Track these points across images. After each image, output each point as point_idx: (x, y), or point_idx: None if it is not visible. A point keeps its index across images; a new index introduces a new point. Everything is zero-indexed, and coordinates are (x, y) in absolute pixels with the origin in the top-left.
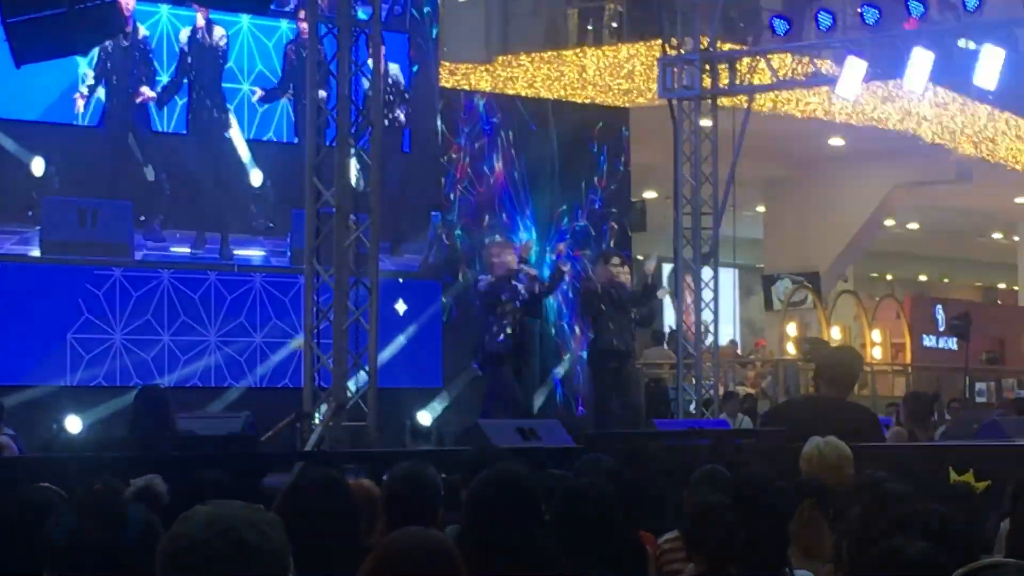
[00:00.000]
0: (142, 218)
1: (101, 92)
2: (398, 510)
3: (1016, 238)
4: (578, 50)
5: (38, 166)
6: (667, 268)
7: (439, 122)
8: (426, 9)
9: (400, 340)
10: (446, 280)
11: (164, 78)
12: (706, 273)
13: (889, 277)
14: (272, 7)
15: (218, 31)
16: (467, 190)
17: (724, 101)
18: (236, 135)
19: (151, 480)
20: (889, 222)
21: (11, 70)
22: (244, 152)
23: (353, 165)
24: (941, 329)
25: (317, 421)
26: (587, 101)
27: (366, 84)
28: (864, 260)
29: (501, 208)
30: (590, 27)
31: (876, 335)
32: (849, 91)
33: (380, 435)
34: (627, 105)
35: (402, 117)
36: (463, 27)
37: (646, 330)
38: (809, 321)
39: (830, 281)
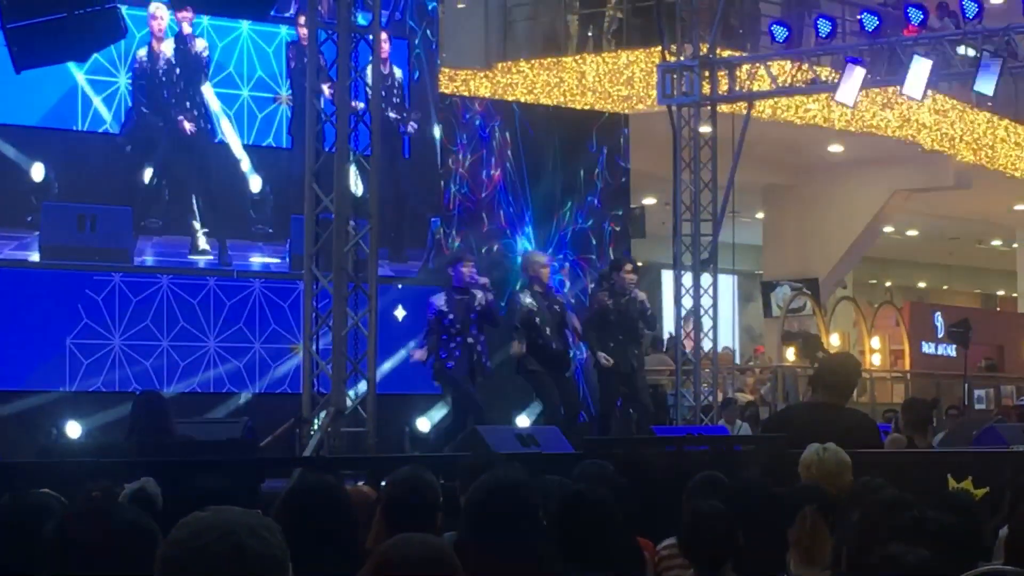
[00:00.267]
0: (142, 223)
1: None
2: (396, 516)
3: (1015, 245)
4: (578, 56)
5: (38, 172)
6: (667, 274)
7: (437, 128)
8: (425, 16)
9: (402, 353)
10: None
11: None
12: (705, 279)
13: (888, 284)
14: (272, 13)
15: (200, 43)
16: (466, 196)
17: (723, 108)
18: (233, 141)
19: (144, 483)
20: (888, 229)
21: (11, 75)
22: (243, 158)
23: (352, 171)
24: (940, 336)
25: (316, 427)
26: (587, 107)
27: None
28: (863, 267)
29: (500, 213)
30: (590, 33)
31: (875, 342)
32: (848, 98)
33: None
34: (626, 111)
35: (411, 126)
36: (463, 33)
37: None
38: (808, 328)
39: (829, 288)
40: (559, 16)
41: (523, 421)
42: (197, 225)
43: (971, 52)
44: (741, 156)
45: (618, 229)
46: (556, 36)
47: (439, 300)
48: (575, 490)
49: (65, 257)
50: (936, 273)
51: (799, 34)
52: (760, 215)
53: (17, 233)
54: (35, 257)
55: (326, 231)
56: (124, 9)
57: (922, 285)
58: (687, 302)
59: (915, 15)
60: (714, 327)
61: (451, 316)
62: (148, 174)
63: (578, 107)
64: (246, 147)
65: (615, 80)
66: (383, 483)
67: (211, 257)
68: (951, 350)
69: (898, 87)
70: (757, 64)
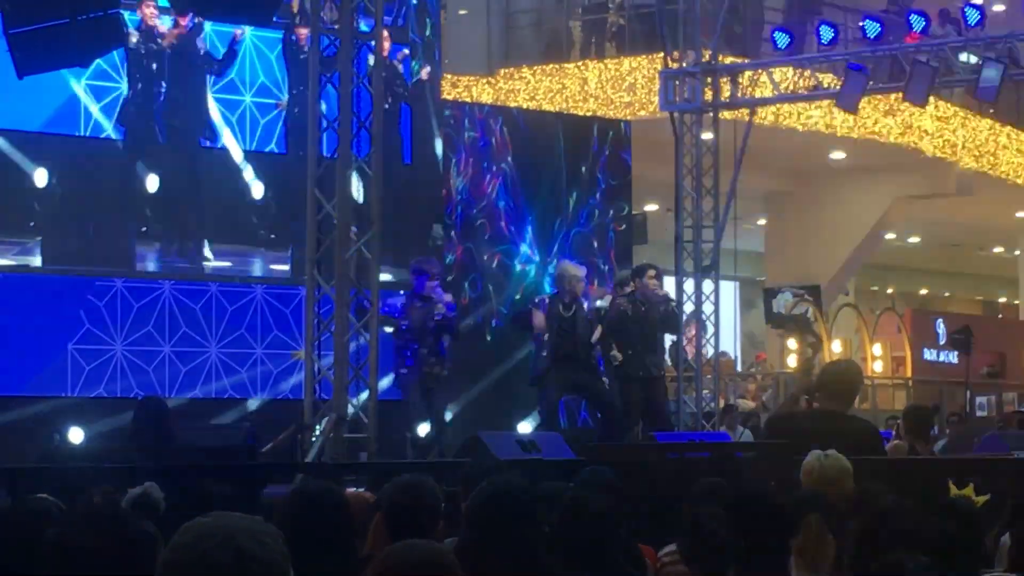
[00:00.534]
0: (143, 229)
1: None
2: (397, 522)
3: (1017, 252)
4: (580, 63)
5: (41, 177)
6: (668, 281)
7: (439, 141)
8: (426, 25)
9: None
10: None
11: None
12: (707, 286)
13: (890, 290)
14: (275, 19)
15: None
16: (467, 202)
17: (726, 114)
18: (232, 147)
19: (147, 488)
20: (890, 235)
21: (13, 81)
22: (245, 165)
23: (354, 177)
24: (942, 343)
25: (318, 433)
26: (589, 114)
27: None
28: (865, 273)
29: (501, 218)
30: (592, 40)
31: (877, 348)
32: (850, 104)
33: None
34: (629, 118)
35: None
36: (465, 39)
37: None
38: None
39: (831, 294)
40: (561, 22)
41: (525, 427)
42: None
43: (973, 59)
44: (743, 162)
45: (622, 228)
46: (558, 42)
47: (397, 303)
48: (576, 496)
49: (67, 263)
50: (938, 280)
51: (801, 41)
52: (762, 221)
53: (19, 239)
54: (37, 263)
55: (328, 237)
56: (127, 15)
57: (924, 292)
58: (688, 308)
59: (917, 22)
60: (716, 333)
61: (406, 323)
62: (153, 182)
63: (580, 113)
64: (249, 153)
65: (617, 86)
66: (384, 488)
67: (225, 263)
68: (953, 357)
69: (900, 94)
70: (759, 71)
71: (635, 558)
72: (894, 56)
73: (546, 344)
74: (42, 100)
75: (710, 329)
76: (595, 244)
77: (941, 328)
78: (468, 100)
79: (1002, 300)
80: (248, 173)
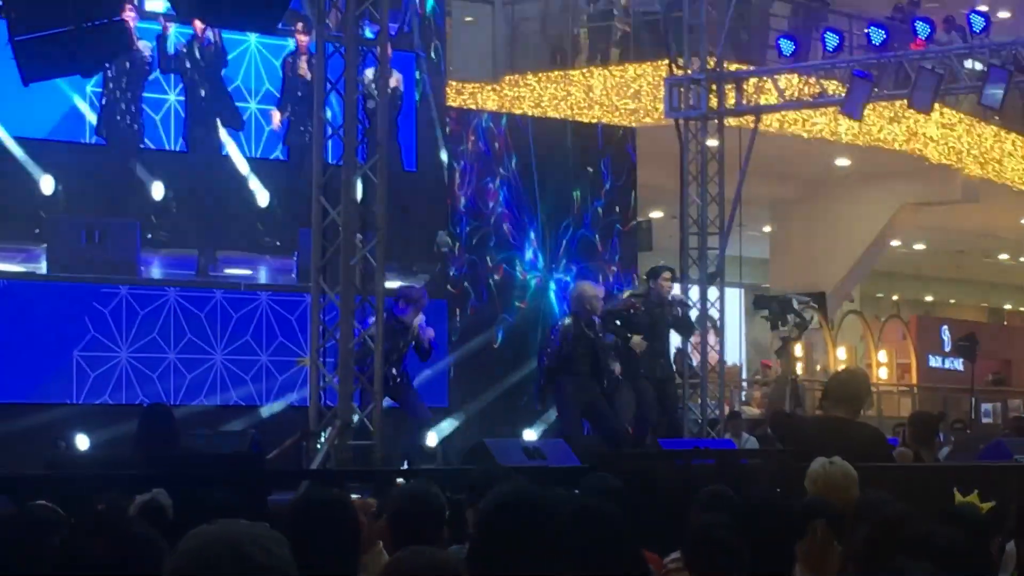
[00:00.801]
0: (148, 236)
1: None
2: (402, 529)
3: (1022, 259)
4: (585, 70)
5: (47, 184)
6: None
7: (444, 152)
8: (432, 33)
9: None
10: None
11: (172, 96)
12: (712, 293)
13: (895, 297)
14: (280, 26)
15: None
16: (472, 209)
17: (731, 121)
18: (235, 154)
19: (155, 494)
20: (895, 242)
21: (19, 88)
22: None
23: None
24: (947, 350)
25: (323, 440)
26: (594, 121)
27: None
28: (870, 280)
29: (505, 223)
30: (597, 47)
31: (882, 355)
32: (855, 111)
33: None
34: (634, 125)
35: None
36: (470, 46)
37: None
38: (815, 341)
39: (836, 301)
40: (566, 29)
41: (530, 435)
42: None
43: (978, 66)
44: (748, 169)
45: (628, 229)
46: (564, 49)
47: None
48: (581, 504)
49: (72, 270)
50: (943, 287)
51: (806, 48)
52: (767, 228)
53: (25, 246)
54: (42, 270)
55: (333, 244)
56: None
57: (929, 299)
58: (693, 315)
59: (922, 29)
60: (721, 340)
61: (386, 345)
62: (158, 189)
63: (585, 120)
64: (254, 160)
65: (622, 93)
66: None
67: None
68: (958, 364)
69: (905, 101)
70: (764, 78)
71: (640, 565)
72: (899, 63)
73: (566, 363)
74: (48, 107)
75: (715, 336)
76: (599, 247)
77: (946, 335)
78: (473, 107)
79: (1007, 307)
80: (253, 180)
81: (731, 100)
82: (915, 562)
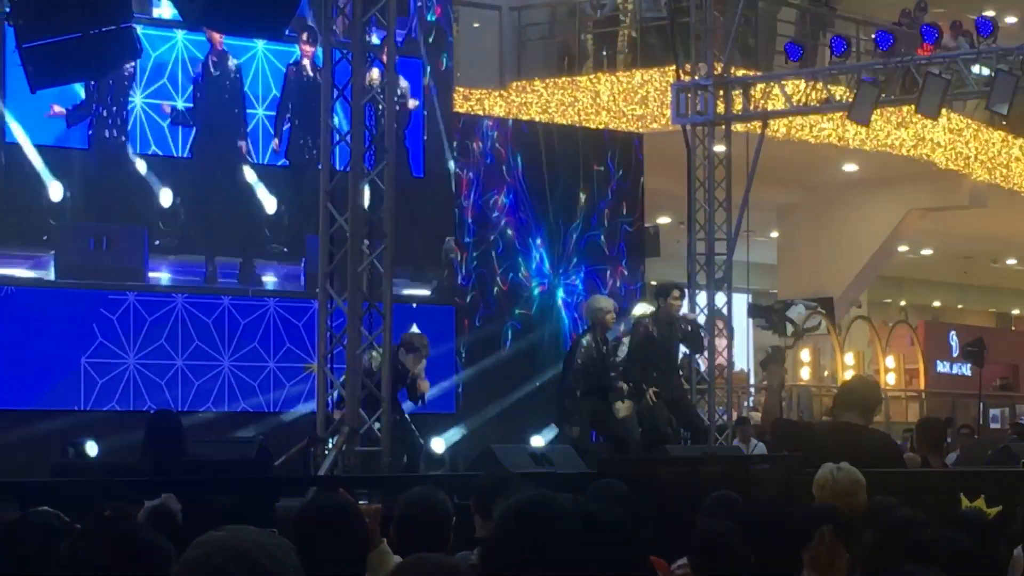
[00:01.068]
0: (156, 242)
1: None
2: (408, 534)
3: None
4: (592, 76)
5: (56, 191)
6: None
7: (451, 161)
8: (440, 42)
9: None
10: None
11: (180, 103)
12: (719, 298)
13: (903, 303)
14: (287, 32)
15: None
16: (480, 214)
17: (738, 127)
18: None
19: (165, 499)
20: (903, 248)
21: (27, 95)
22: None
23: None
24: (955, 355)
25: (330, 446)
26: (601, 127)
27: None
28: (878, 286)
29: (511, 228)
30: (604, 53)
31: (890, 361)
32: (863, 117)
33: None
34: (641, 131)
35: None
36: (477, 53)
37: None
38: (823, 347)
39: (844, 307)
40: (573, 35)
41: (538, 441)
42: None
43: (986, 71)
44: (755, 175)
45: (634, 230)
46: (570, 55)
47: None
48: (589, 510)
49: (80, 276)
50: (951, 292)
51: (813, 53)
52: (774, 234)
53: (33, 252)
54: (50, 276)
55: (341, 250)
56: (139, 29)
57: (937, 304)
58: (701, 321)
59: (930, 34)
60: (728, 346)
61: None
62: (167, 196)
63: (592, 126)
64: (262, 166)
65: (629, 99)
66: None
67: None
68: (966, 369)
69: (912, 106)
70: (771, 83)
71: (647, 571)
72: (906, 68)
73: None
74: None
75: (722, 342)
76: (605, 249)
77: (954, 340)
78: (480, 113)
79: (1015, 312)
80: (260, 187)
81: (738, 106)
82: (922, 567)
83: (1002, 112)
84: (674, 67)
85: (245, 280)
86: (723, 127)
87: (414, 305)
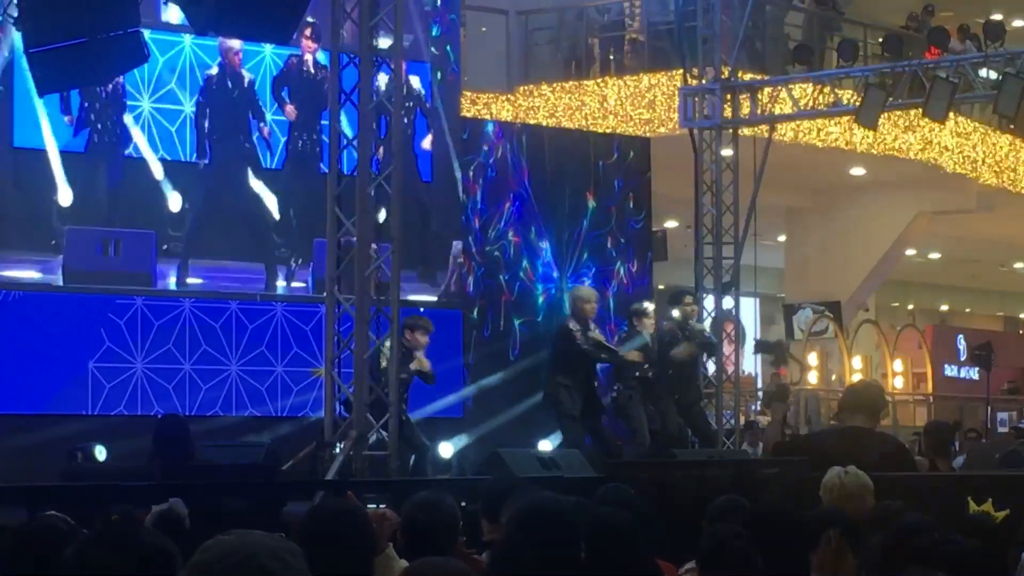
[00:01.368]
0: (164, 247)
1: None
2: (415, 538)
3: None
4: (599, 80)
5: (65, 196)
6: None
7: (457, 166)
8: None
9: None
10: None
11: (187, 107)
12: (727, 302)
13: (910, 307)
14: (295, 36)
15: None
16: (487, 217)
17: (745, 131)
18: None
19: (172, 504)
20: (910, 251)
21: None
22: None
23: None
24: (963, 359)
25: (338, 450)
26: (608, 130)
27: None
28: (885, 290)
29: (517, 232)
30: (611, 56)
31: (898, 365)
32: (870, 121)
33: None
34: (648, 135)
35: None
36: (485, 56)
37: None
38: (830, 351)
39: (851, 311)
40: (581, 39)
41: (545, 446)
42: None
43: (993, 74)
44: (763, 179)
45: (640, 227)
46: (578, 59)
47: None
48: (597, 513)
49: (88, 281)
50: (958, 296)
51: (821, 57)
52: (782, 238)
53: (41, 257)
54: (58, 281)
55: (348, 254)
56: (147, 33)
57: (944, 308)
58: (708, 324)
59: (937, 38)
60: (736, 350)
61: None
62: (175, 200)
63: (600, 130)
64: (270, 171)
65: (637, 103)
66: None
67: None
68: (974, 373)
69: (920, 110)
70: (779, 87)
71: (655, 574)
72: (914, 72)
73: (562, 369)
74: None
75: (730, 346)
76: (612, 251)
77: (962, 344)
78: (488, 117)
79: (1023, 316)
80: (267, 192)
81: (745, 109)
82: (930, 571)
83: (1010, 116)
84: (681, 71)
85: (270, 286)
86: (730, 131)
87: (421, 309)
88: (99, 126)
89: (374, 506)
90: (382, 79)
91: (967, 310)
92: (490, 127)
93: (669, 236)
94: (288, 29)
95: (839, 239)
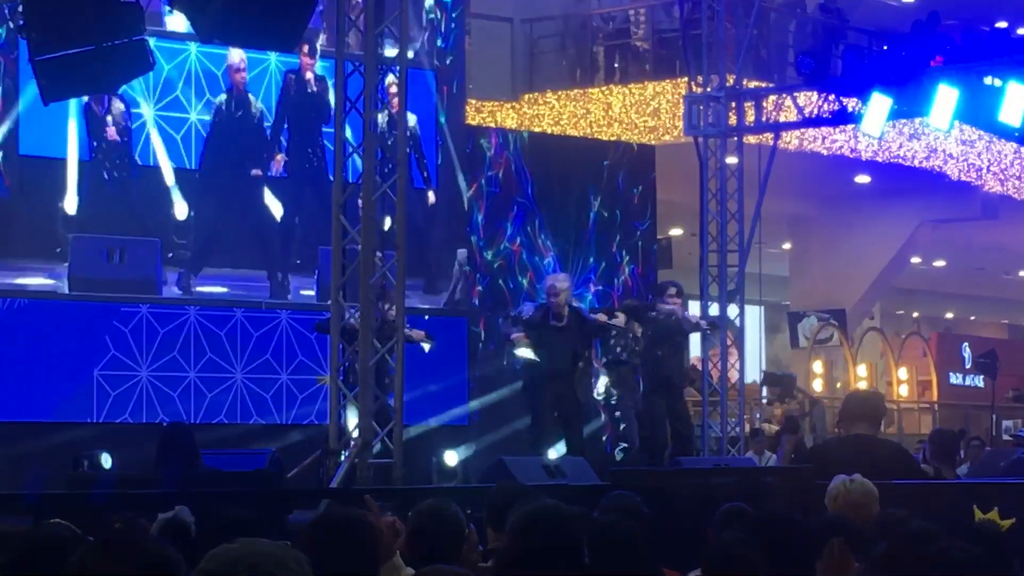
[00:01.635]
0: (170, 255)
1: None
2: (421, 546)
3: None
4: (604, 88)
5: (71, 204)
6: (694, 305)
7: (462, 179)
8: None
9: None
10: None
11: (193, 115)
12: (732, 310)
13: (915, 314)
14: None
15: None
16: (491, 226)
17: (750, 138)
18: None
19: (178, 512)
20: (915, 259)
21: (40, 107)
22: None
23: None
24: (967, 367)
25: (343, 459)
26: (613, 139)
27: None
28: (890, 297)
29: (524, 240)
30: (616, 64)
31: (902, 373)
32: (875, 128)
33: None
34: (653, 143)
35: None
36: (489, 65)
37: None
38: (835, 359)
39: (856, 318)
40: (585, 47)
41: (550, 454)
42: None
43: (998, 82)
44: (768, 187)
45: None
46: (583, 67)
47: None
48: (602, 521)
49: (93, 289)
50: (963, 304)
51: (826, 65)
52: (787, 246)
53: (46, 264)
54: (64, 289)
55: (353, 262)
56: (152, 42)
57: (949, 316)
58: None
59: (941, 46)
60: (741, 358)
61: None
62: (182, 210)
63: (605, 138)
64: (274, 179)
65: (642, 111)
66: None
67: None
68: (978, 381)
69: (924, 117)
70: (784, 95)
71: None
72: (919, 80)
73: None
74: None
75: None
76: (617, 257)
77: (967, 352)
78: (492, 125)
79: None
80: (271, 198)
81: (750, 117)
82: None
83: (1014, 124)
84: (686, 79)
85: (278, 293)
86: (735, 139)
87: (426, 317)
88: (104, 134)
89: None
90: (381, 119)
91: (972, 318)
92: (494, 134)
93: (674, 244)
94: (292, 37)
95: (844, 247)
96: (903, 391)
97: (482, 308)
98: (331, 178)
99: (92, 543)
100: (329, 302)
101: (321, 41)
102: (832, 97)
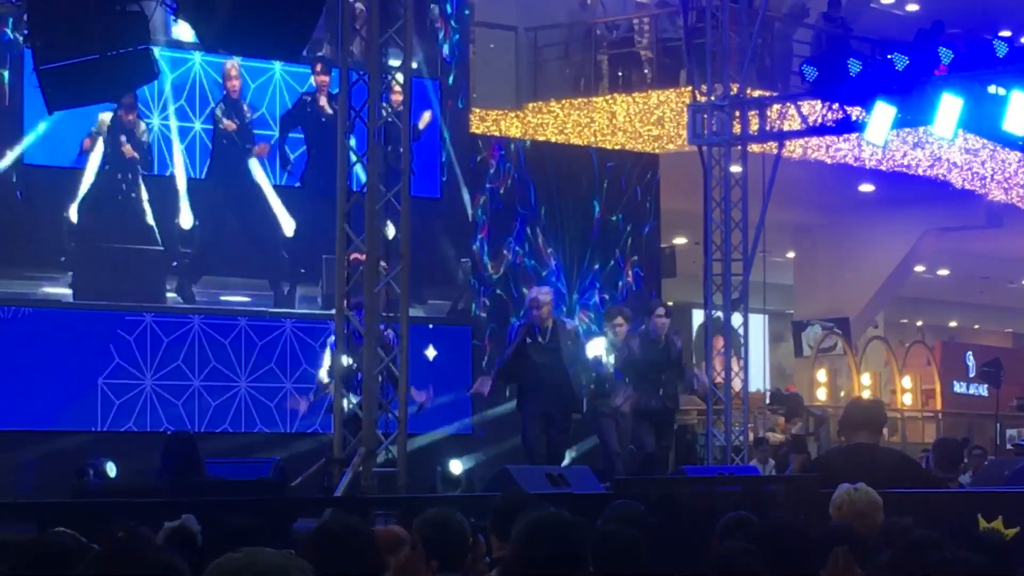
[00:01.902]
0: (174, 264)
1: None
2: (426, 555)
3: None
4: (608, 96)
5: (75, 212)
6: (697, 314)
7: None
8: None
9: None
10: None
11: (197, 124)
12: (736, 319)
13: (919, 323)
14: (304, 54)
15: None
16: (494, 235)
17: (754, 147)
18: (264, 183)
19: (184, 520)
20: (919, 268)
21: (44, 116)
22: (276, 201)
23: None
24: (972, 375)
25: (347, 467)
26: (617, 147)
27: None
28: (894, 306)
29: (528, 250)
30: (620, 73)
31: (906, 381)
32: (879, 137)
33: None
34: (657, 151)
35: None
36: (493, 74)
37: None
38: (839, 367)
39: (860, 327)
40: (589, 56)
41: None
42: None
43: (1002, 91)
44: (772, 196)
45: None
46: (587, 76)
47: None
48: (605, 530)
49: (98, 297)
50: (967, 312)
51: (830, 74)
52: (791, 254)
53: (50, 273)
54: (68, 297)
55: (357, 271)
56: (156, 51)
57: (953, 324)
58: (717, 342)
59: (945, 55)
60: (745, 367)
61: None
62: (187, 219)
63: (609, 147)
64: (279, 188)
65: (646, 120)
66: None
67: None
68: (983, 390)
69: (928, 126)
70: (787, 104)
71: None
72: (923, 88)
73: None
74: (73, 134)
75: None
76: (620, 266)
77: (971, 361)
78: (496, 134)
79: None
80: (280, 209)
81: (754, 126)
82: None
83: (1018, 133)
84: (690, 88)
85: (281, 303)
86: (739, 148)
87: (430, 326)
88: (118, 145)
89: (384, 523)
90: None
91: (976, 327)
92: (497, 143)
93: (678, 253)
94: (297, 46)
95: (848, 255)
96: (907, 400)
97: (488, 319)
98: None
99: (97, 552)
100: (333, 311)
101: (325, 51)
102: (836, 106)
